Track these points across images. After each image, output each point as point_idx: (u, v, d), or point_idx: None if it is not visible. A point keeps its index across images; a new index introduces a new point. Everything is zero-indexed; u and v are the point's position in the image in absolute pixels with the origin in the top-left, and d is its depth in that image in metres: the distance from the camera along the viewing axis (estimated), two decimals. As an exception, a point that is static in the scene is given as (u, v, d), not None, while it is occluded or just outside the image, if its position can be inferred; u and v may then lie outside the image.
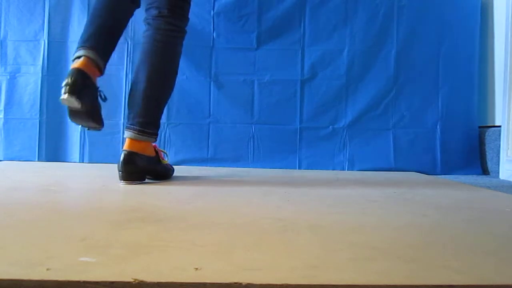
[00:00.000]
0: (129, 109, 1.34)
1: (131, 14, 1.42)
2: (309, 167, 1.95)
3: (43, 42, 1.93)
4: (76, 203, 1.01)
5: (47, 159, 1.92)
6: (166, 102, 1.39)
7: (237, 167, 1.91)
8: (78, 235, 0.65)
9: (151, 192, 1.15)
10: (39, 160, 1.91)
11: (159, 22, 1.34)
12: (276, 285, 0.46)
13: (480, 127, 2.01)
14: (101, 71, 1.28)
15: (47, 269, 0.47)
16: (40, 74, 1.93)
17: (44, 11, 1.94)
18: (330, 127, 1.97)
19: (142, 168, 1.30)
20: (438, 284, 0.48)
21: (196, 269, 0.49)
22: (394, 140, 1.98)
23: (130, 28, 1.93)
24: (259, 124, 1.97)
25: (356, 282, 0.47)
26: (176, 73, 1.38)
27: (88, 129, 1.34)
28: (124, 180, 1.26)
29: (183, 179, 1.47)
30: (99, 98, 1.26)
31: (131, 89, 1.34)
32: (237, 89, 1.97)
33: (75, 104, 1.17)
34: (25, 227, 0.70)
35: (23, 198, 1.00)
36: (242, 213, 0.90)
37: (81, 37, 1.28)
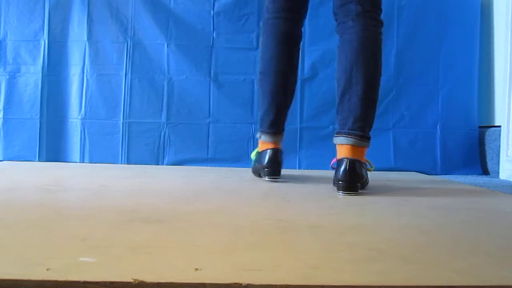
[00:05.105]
0: (341, 113, 1.25)
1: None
2: (309, 167, 1.95)
3: (43, 42, 1.93)
4: (76, 203, 1.01)
5: (47, 159, 1.91)
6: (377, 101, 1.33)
7: (237, 167, 1.91)
8: (78, 235, 0.65)
9: (151, 192, 1.15)
10: (39, 160, 1.91)
11: (365, 18, 1.27)
12: (276, 285, 0.46)
13: (480, 127, 2.01)
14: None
15: (47, 269, 0.47)
16: (40, 74, 1.92)
17: (44, 11, 1.93)
18: (330, 127, 1.97)
19: (362, 177, 1.19)
20: (438, 285, 0.48)
21: (196, 269, 0.49)
22: (394, 140, 1.98)
23: (129, 27, 1.93)
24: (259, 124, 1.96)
25: (356, 283, 0.47)
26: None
27: None
28: (344, 191, 1.16)
29: (184, 179, 1.47)
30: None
31: (343, 92, 1.24)
32: (237, 89, 1.96)
33: (278, 180, 1.40)
34: (25, 227, 0.70)
35: (23, 198, 1.00)
36: (242, 213, 0.90)
37: (263, 119, 1.44)
